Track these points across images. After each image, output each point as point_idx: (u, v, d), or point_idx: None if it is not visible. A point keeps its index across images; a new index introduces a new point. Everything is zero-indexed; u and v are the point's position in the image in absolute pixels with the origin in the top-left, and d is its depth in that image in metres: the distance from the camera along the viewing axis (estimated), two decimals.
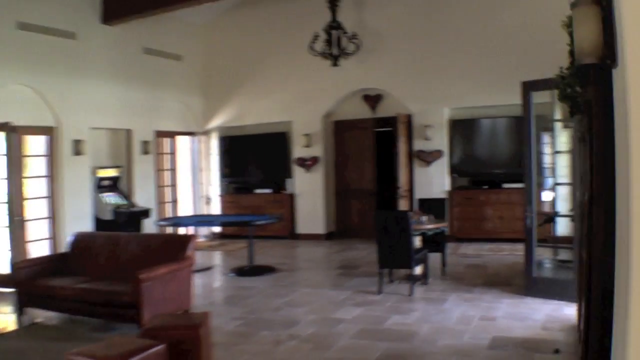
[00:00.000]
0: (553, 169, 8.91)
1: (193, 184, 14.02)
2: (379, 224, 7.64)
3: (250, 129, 13.74)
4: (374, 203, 12.72)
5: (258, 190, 13.44)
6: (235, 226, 11.21)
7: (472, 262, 9.47)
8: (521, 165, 11.32)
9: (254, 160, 13.68)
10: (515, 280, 8.02)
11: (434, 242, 8.38)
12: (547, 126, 9.72)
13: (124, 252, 7.07)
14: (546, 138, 9.91)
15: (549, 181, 9.36)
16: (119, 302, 6.14)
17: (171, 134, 13.25)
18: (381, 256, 7.63)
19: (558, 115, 10.01)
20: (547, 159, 10.37)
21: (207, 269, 9.93)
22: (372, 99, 12.51)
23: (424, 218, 8.13)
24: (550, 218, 8.97)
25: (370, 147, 12.73)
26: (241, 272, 9.39)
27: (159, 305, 6.11)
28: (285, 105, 13.00)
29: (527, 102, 7.07)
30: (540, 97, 7.36)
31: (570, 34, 3.55)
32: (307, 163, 12.71)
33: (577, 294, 5.69)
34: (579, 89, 3.26)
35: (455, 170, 11.70)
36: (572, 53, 3.40)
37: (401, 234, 7.40)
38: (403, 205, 11.42)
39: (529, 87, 7.06)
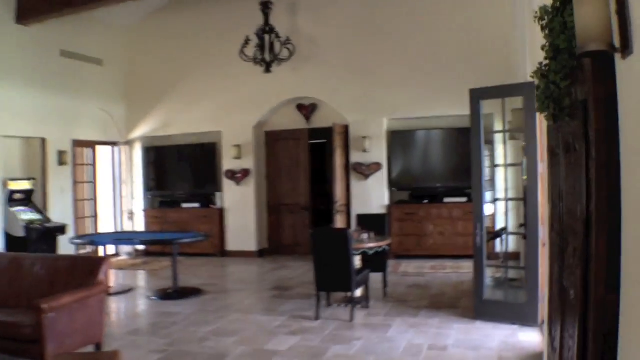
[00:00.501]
0: (492, 183, 8.47)
1: (115, 198, 13.03)
2: (316, 244, 6.97)
3: (177, 140, 12.89)
4: (309, 218, 12.08)
5: (185, 205, 12.57)
6: (158, 245, 10.30)
7: (415, 282, 8.91)
8: (463, 180, 11.03)
9: (181, 173, 12.82)
10: (462, 301, 7.50)
11: (375, 261, 7.77)
12: (486, 138, 9.37)
13: (29, 275, 6.08)
14: (486, 151, 9.48)
15: (487, 195, 8.94)
16: (20, 336, 5.22)
17: (91, 144, 12.25)
18: (319, 278, 6.95)
19: (498, 126, 9.71)
20: (486, 172, 10.00)
21: (127, 291, 9.02)
22: (307, 109, 11.89)
23: (365, 236, 7.52)
24: (498, 234, 8.53)
25: (304, 160, 12.09)
26: (164, 295, 8.53)
27: (65, 339, 5.23)
28: (215, 114, 12.22)
29: (475, 111, 6.56)
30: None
31: (544, 27, 3.00)
32: (238, 176, 11.96)
33: (542, 319, 5.20)
34: (565, 86, 2.70)
35: (394, 184, 11.18)
36: (552, 47, 2.84)
37: (341, 255, 6.75)
38: (340, 221, 10.81)
39: (478, 96, 6.56)
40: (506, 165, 8.48)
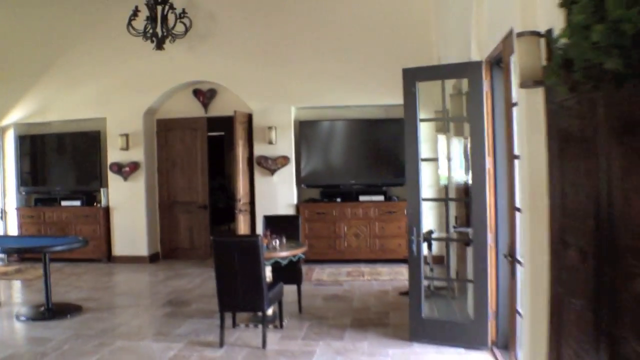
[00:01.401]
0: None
1: None
2: (219, 255, 5.73)
3: (56, 127, 11.23)
4: (207, 218, 10.78)
5: (65, 203, 10.92)
6: (26, 253, 8.67)
7: (332, 292, 7.84)
8: (380, 176, 10.14)
9: (60, 166, 11.14)
10: (391, 317, 6.51)
11: (288, 271, 6.65)
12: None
13: None
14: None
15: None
16: None
17: None
18: (223, 297, 5.73)
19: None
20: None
21: None
22: (205, 95, 10.56)
23: (277, 242, 6.37)
24: (425, 239, 7.59)
25: (202, 152, 10.75)
26: (36, 314, 7.04)
27: None
28: (99, 98, 10.63)
29: (410, 93, 5.51)
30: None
31: None
32: (125, 170, 10.46)
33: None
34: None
35: (303, 180, 10.08)
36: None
37: (250, 267, 5.57)
38: (243, 222, 9.60)
39: (412, 76, 5.53)
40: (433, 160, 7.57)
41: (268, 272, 6.33)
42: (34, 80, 10.98)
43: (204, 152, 10.75)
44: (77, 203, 10.84)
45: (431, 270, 7.52)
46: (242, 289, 5.64)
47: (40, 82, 10.97)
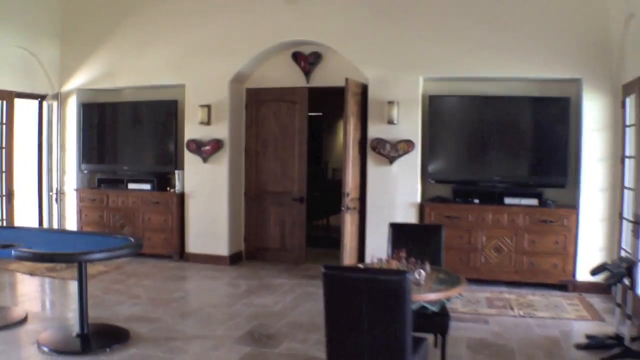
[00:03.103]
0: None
1: (39, 171, 9.51)
2: (333, 295, 3.52)
3: (125, 95, 9.42)
4: (304, 214, 8.64)
5: (133, 186, 9.07)
6: (43, 262, 6.50)
7: (479, 336, 5.48)
8: (536, 173, 7.64)
9: (128, 141, 9.30)
10: None
11: (432, 319, 4.38)
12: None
13: None
14: None
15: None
16: None
17: (6, 95, 8.63)
18: (335, 358, 3.55)
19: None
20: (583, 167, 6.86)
21: (15, 324, 5.58)
22: (307, 59, 8.38)
23: (421, 275, 4.09)
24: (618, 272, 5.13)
25: (300, 131, 8.60)
26: (64, 343, 5.11)
27: None
28: (176, 62, 8.67)
29: None
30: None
31: None
32: (206, 149, 8.45)
33: None
34: None
35: (431, 173, 7.75)
36: None
37: (387, 320, 3.35)
38: (350, 223, 7.41)
39: None
40: None
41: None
42: (102, 41, 9.20)
43: (303, 130, 8.58)
44: (147, 187, 8.95)
45: (629, 318, 5.05)
46: (369, 351, 3.43)
47: (110, 44, 9.16)
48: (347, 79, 7.29)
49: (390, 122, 7.59)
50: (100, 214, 9.14)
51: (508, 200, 7.45)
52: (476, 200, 7.56)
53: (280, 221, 8.70)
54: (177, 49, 8.65)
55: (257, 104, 8.75)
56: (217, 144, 8.40)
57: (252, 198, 8.82)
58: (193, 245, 8.66)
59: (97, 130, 9.47)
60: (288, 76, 8.50)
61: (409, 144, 7.59)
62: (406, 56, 7.65)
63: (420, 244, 5.03)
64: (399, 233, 5.17)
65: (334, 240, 10.25)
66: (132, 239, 5.45)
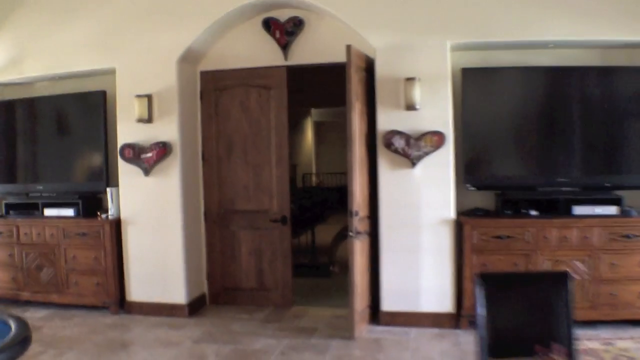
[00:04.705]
0: None
1: None
2: None
3: (39, 89, 6.98)
4: (287, 239, 6.33)
5: (51, 211, 6.58)
6: None
7: None
8: (612, 170, 5.42)
9: (44, 150, 6.79)
10: None
11: None
12: None
13: None
14: None
15: None
16: None
17: None
18: None
19: None
20: None
21: None
22: (283, 28, 6.08)
23: None
24: None
25: (279, 127, 6.27)
26: None
27: None
28: (103, 38, 6.24)
29: None
30: None
31: None
32: (147, 156, 6.05)
33: None
34: None
35: (469, 176, 5.51)
36: None
37: None
38: (360, 254, 5.20)
39: None
40: None
41: None
42: (2, 15, 6.67)
43: (283, 126, 6.24)
44: (70, 212, 6.49)
45: None
46: None
47: (13, 17, 6.66)
48: (349, 47, 5.01)
49: (410, 107, 5.34)
50: (9, 252, 6.63)
51: (578, 210, 5.30)
52: (534, 212, 5.39)
53: (255, 250, 6.37)
54: (104, 21, 6.23)
55: (216, 92, 6.39)
56: (162, 149, 6.01)
57: (216, 221, 6.46)
58: (136, 291, 6.25)
59: (5, 138, 6.96)
60: (258, 52, 6.17)
61: (437, 137, 5.35)
62: (426, 13, 5.42)
63: (532, 307, 2.85)
64: (496, 288, 2.95)
65: (322, 268, 8.05)
66: (14, 325, 3.03)
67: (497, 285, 3.00)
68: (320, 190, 14.85)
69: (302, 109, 15.37)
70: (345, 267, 8.56)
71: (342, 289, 6.93)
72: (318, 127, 18.70)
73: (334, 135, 18.34)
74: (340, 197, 12.93)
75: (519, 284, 3.06)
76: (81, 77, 6.63)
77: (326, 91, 9.67)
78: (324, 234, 9.34)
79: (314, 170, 18.60)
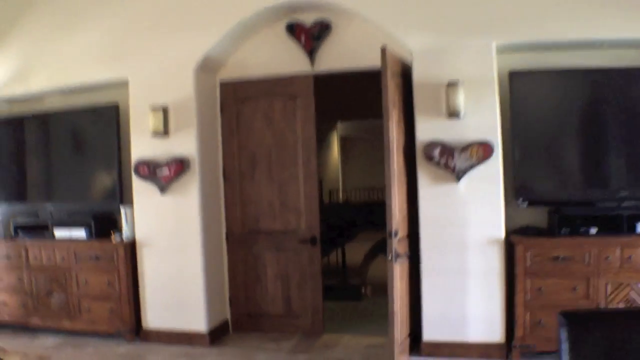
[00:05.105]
0: None
1: None
2: None
3: (48, 103, 6.57)
4: (317, 261, 5.81)
5: (62, 232, 6.13)
6: None
7: None
8: None
9: (52, 168, 6.36)
10: None
11: None
12: None
13: None
14: None
15: None
16: None
17: None
18: None
19: None
20: None
21: None
22: (308, 32, 5.60)
23: None
24: None
25: (307, 139, 5.76)
26: None
27: None
28: (115, 47, 5.82)
29: None
30: None
31: None
32: (164, 173, 5.59)
33: None
34: None
35: (520, 190, 4.96)
36: None
37: None
38: (400, 280, 4.67)
39: None
40: None
41: None
42: (11, 26, 6.28)
43: (311, 138, 5.75)
44: (81, 233, 6.03)
45: None
46: None
47: (17, 28, 6.25)
48: (384, 49, 4.50)
49: (453, 114, 4.81)
50: (18, 276, 6.20)
51: None
52: (593, 230, 4.82)
53: (282, 274, 5.86)
54: (115, 28, 5.81)
55: (238, 103, 5.91)
56: (180, 165, 5.54)
57: (238, 242, 5.96)
58: (153, 317, 5.77)
59: (10, 155, 6.54)
60: (282, 59, 5.69)
61: (484, 148, 4.81)
62: (471, 13, 4.91)
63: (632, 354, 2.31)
64: (583, 330, 2.41)
65: (353, 290, 7.53)
66: None
67: (584, 326, 2.46)
68: (348, 206, 14.35)
69: (328, 123, 14.89)
70: (378, 289, 8.10)
71: (376, 313, 6.44)
72: (344, 142, 18.19)
73: (360, 150, 17.86)
74: (368, 213, 12.47)
75: (615, 324, 2.50)
76: (93, 90, 6.19)
77: (353, 102, 9.22)
78: (353, 252, 8.80)
79: (340, 186, 18.07)
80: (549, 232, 4.95)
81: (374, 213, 13.17)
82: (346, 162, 18.36)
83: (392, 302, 4.49)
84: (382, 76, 4.48)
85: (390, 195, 4.49)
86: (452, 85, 4.79)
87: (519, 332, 4.81)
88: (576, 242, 4.73)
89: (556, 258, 4.70)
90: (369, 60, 5.09)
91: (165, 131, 5.54)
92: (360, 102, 9.12)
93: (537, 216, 5.16)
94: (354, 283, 7.80)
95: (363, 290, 7.54)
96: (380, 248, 9.59)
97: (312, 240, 5.72)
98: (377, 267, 7.95)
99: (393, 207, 4.49)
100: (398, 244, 4.59)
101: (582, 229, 4.82)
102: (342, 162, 18.27)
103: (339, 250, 8.53)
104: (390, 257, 4.48)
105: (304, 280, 5.78)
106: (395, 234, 4.52)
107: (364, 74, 5.37)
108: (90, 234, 6.00)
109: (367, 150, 17.52)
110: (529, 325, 4.80)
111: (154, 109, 5.52)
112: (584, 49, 4.99)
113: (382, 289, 8.03)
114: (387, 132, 4.47)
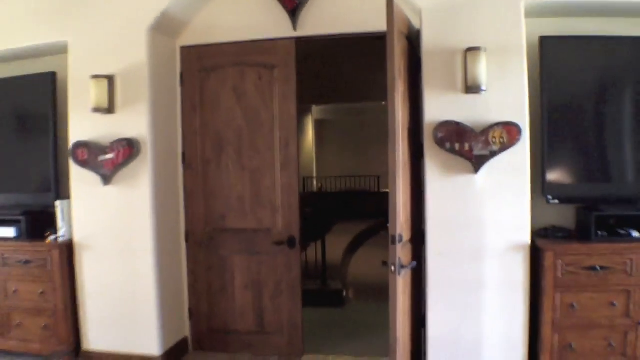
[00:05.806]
0: None
1: None
2: None
3: None
4: (297, 267, 4.80)
5: None
6: None
7: None
8: None
9: None
10: None
11: None
12: None
13: None
14: None
15: None
16: None
17: None
18: None
19: None
20: None
21: None
22: None
23: None
24: None
25: (286, 119, 4.74)
26: None
27: None
28: (53, 3, 4.73)
29: None
30: None
31: None
32: (108, 158, 4.52)
33: None
34: None
35: (551, 185, 4.02)
36: None
37: None
38: (404, 295, 3.70)
39: None
40: None
41: None
42: None
43: (291, 117, 4.74)
44: (9, 232, 4.93)
45: None
46: None
47: None
48: (390, 3, 3.50)
49: (472, 88, 3.83)
50: None
51: None
52: (636, 233, 3.91)
53: (253, 282, 4.85)
54: None
55: (202, 74, 4.86)
56: (128, 149, 4.48)
57: (201, 243, 4.93)
58: (95, 337, 4.72)
59: None
60: (258, 20, 4.66)
61: (509, 131, 3.83)
62: None
63: None
64: None
65: (335, 295, 6.56)
66: None
67: None
68: (324, 196, 13.42)
69: (303, 104, 13.84)
70: (360, 292, 7.15)
71: (361, 325, 5.51)
72: (319, 126, 17.17)
73: (336, 135, 16.94)
74: (345, 203, 11.60)
75: None
76: (28, 58, 5.11)
77: (332, 82, 8.24)
78: (330, 246, 7.79)
79: (314, 174, 17.06)
80: (581, 235, 4.03)
81: (351, 203, 12.28)
82: (321, 148, 17.41)
83: (394, 327, 3.51)
84: (388, 37, 3.46)
85: (394, 189, 3.49)
86: (472, 51, 3.81)
87: (545, 358, 3.88)
88: (617, 248, 3.81)
89: (592, 268, 3.77)
90: (365, 22, 4.13)
91: (110, 107, 4.47)
92: (340, 82, 8.17)
93: (562, 215, 4.24)
94: (335, 288, 6.82)
95: (344, 294, 6.60)
96: (360, 242, 8.67)
97: (290, 242, 4.71)
98: (358, 265, 7.04)
99: (398, 204, 3.50)
100: (402, 251, 3.62)
101: (621, 232, 3.91)
102: (317, 148, 17.31)
103: (317, 246, 7.49)
104: (393, 269, 3.50)
105: (279, 290, 4.78)
106: (400, 239, 3.54)
107: (360, 37, 4.39)
108: (20, 233, 4.90)
109: (343, 136, 16.65)
110: (557, 350, 3.89)
111: (97, 78, 4.44)
112: (629, 15, 4.06)
113: (365, 292, 7.11)
114: (393, 109, 3.47)
